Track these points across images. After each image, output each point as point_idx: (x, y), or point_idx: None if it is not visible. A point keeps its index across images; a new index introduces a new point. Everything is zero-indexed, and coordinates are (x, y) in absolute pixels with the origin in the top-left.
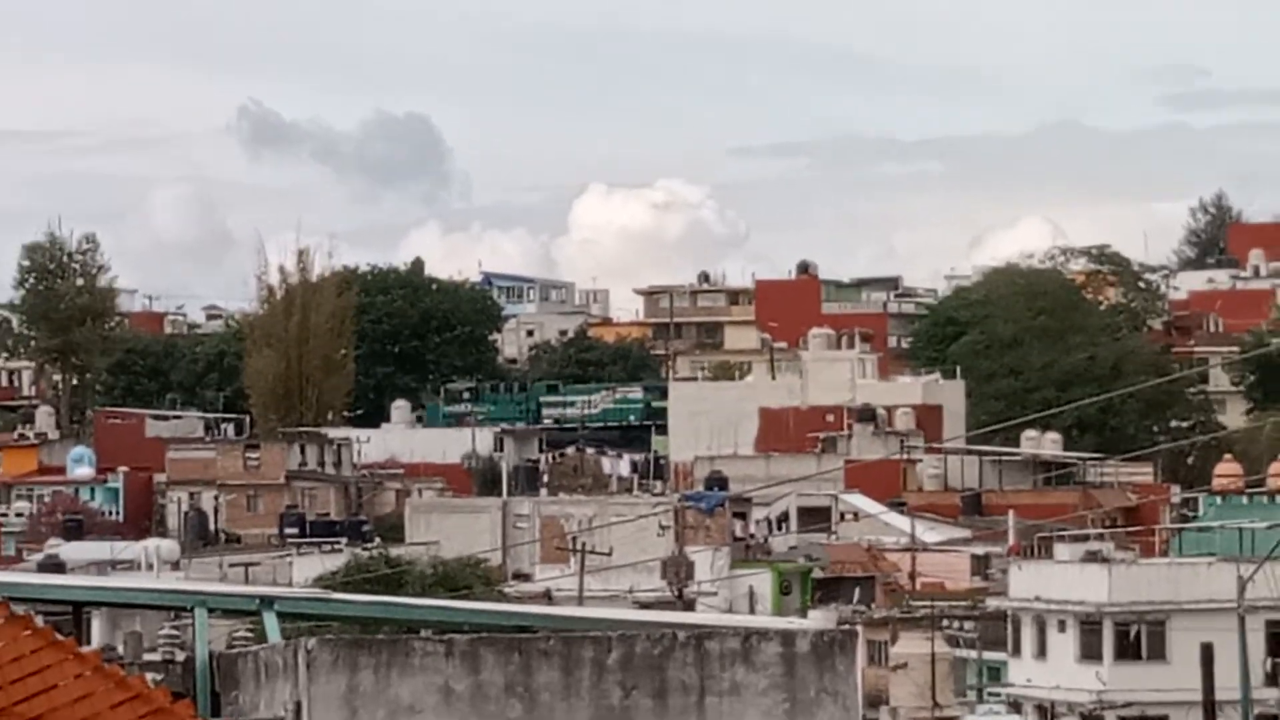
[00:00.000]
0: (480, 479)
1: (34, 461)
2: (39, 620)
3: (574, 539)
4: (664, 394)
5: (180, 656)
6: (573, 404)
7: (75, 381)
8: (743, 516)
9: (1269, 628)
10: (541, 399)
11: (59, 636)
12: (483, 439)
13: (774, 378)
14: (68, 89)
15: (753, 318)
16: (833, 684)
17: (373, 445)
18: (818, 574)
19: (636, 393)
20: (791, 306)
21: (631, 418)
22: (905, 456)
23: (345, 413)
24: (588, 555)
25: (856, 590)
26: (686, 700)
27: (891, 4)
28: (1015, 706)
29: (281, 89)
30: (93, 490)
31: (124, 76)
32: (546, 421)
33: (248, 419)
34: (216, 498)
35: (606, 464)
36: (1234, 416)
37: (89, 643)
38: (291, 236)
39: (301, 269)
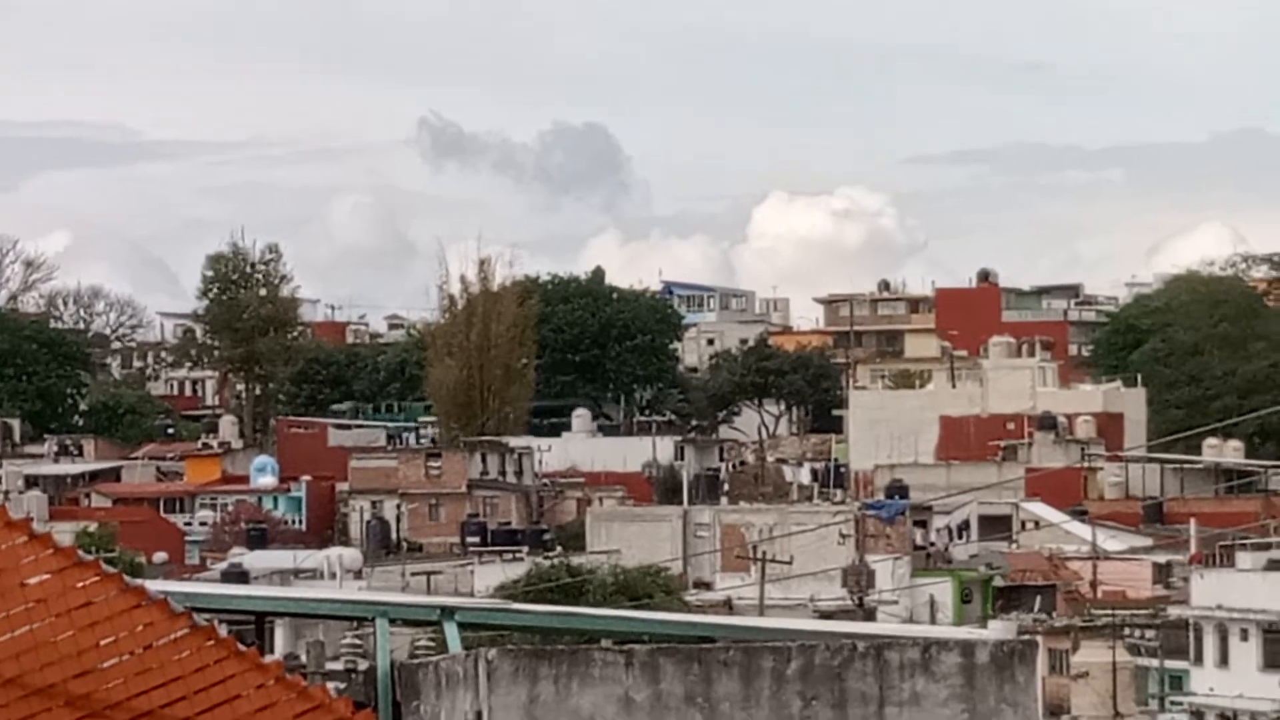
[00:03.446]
0: (661, 487)
1: (217, 470)
2: (222, 630)
3: (755, 548)
4: None
5: (362, 666)
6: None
7: (258, 391)
8: (923, 525)
9: None
10: (420, 419)
11: (241, 646)
12: (663, 448)
13: (954, 386)
14: (250, 101)
15: (933, 326)
16: (1013, 694)
17: (553, 454)
18: (999, 582)
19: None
20: (972, 314)
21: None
22: (1086, 465)
23: (528, 420)
24: (768, 564)
25: (1038, 599)
26: (866, 710)
27: (1074, 13)
28: (1197, 715)
29: (461, 101)
30: (276, 499)
31: (306, 89)
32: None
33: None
34: (398, 506)
35: (788, 472)
36: None
37: (272, 651)
38: (472, 246)
39: (483, 278)
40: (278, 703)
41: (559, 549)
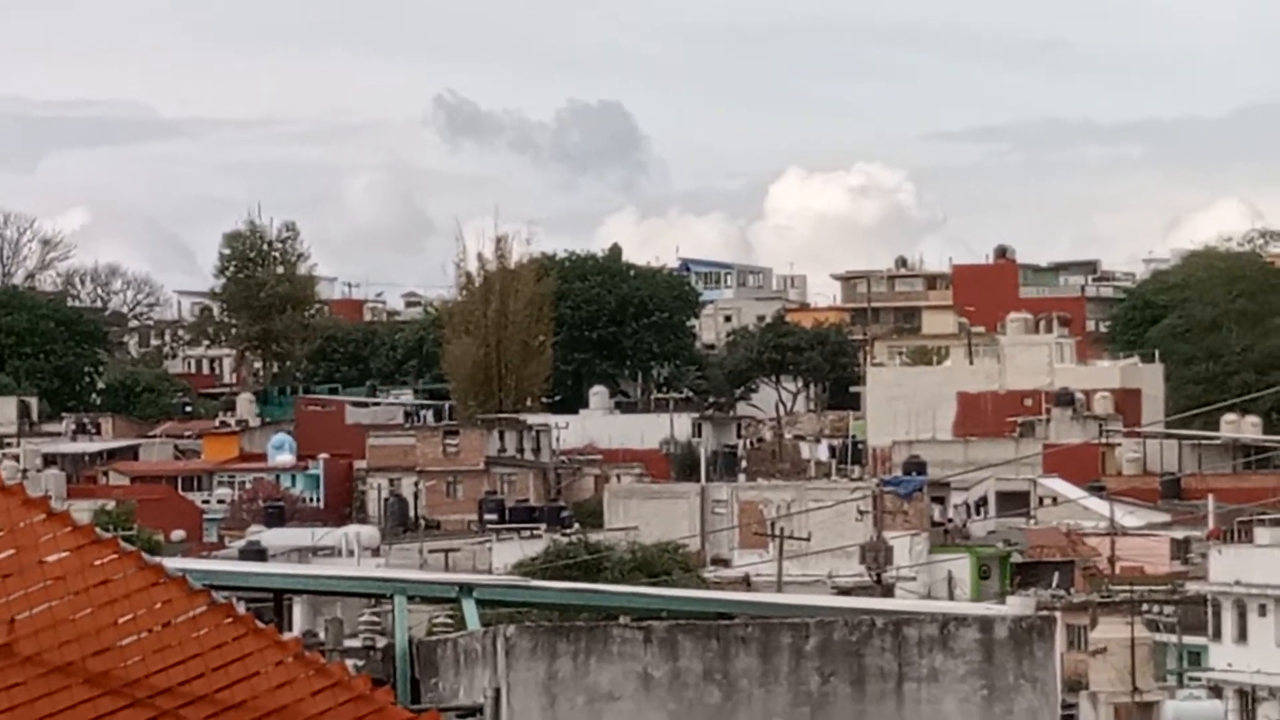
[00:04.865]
0: (678, 464)
1: (235, 448)
2: (240, 607)
3: (772, 524)
4: None
5: (380, 643)
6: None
7: (275, 369)
8: (941, 501)
9: None
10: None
11: (260, 624)
12: (681, 425)
13: (972, 362)
14: (267, 78)
15: (950, 302)
16: (1031, 670)
17: (571, 431)
18: (1016, 559)
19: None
20: (989, 291)
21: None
22: (1104, 441)
23: (544, 399)
24: (786, 540)
25: (1055, 575)
26: (884, 686)
27: None
28: (1216, 691)
29: (477, 79)
30: (294, 477)
31: (322, 66)
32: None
33: (447, 405)
34: (416, 484)
35: (805, 449)
36: None
37: (291, 628)
38: (489, 224)
39: (500, 256)
40: (296, 680)
41: (577, 526)
